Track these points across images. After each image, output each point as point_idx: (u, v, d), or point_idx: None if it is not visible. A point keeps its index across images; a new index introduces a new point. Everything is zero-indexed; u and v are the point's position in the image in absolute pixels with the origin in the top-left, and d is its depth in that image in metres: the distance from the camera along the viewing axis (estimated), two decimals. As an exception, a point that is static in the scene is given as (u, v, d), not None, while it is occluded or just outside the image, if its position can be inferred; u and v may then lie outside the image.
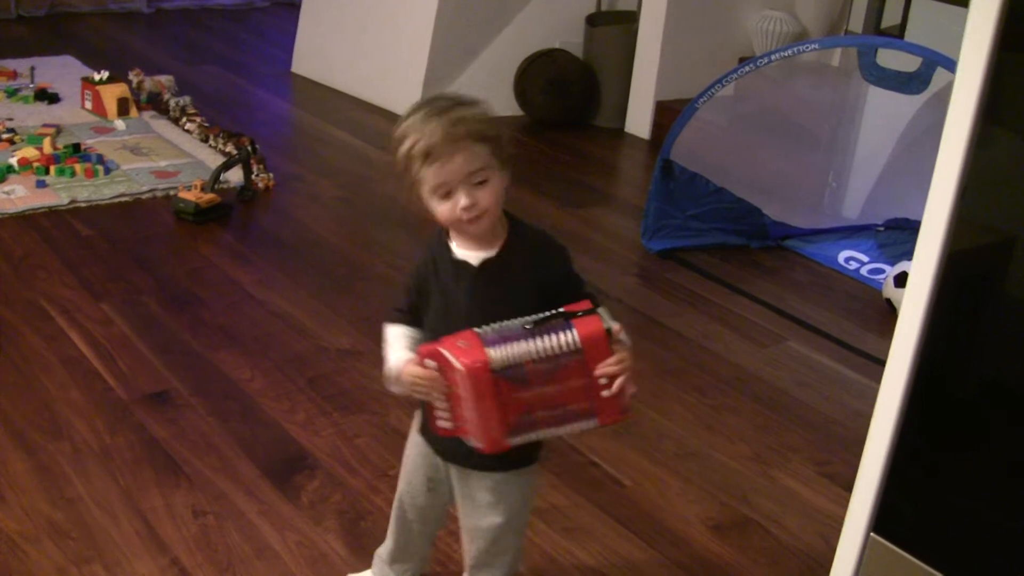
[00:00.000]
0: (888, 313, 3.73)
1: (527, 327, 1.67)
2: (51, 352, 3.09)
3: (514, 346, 1.66)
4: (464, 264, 1.78)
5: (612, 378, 1.69)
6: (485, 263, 1.78)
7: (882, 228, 4.37)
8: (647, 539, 2.52)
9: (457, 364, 1.66)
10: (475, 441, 1.73)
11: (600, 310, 1.72)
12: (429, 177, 1.70)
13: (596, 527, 2.55)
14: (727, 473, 2.81)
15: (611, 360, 1.68)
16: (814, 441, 2.98)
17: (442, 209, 1.73)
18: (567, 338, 1.67)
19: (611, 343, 1.69)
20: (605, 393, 1.70)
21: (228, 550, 2.36)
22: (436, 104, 1.72)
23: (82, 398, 2.88)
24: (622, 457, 2.83)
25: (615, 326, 1.70)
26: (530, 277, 1.77)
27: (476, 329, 1.69)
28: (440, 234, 1.82)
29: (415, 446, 1.98)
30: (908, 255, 3.50)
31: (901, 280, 3.65)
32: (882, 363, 1.63)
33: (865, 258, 4.18)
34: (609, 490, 2.70)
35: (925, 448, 1.63)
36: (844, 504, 1.75)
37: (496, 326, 1.70)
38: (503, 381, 1.67)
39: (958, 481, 1.61)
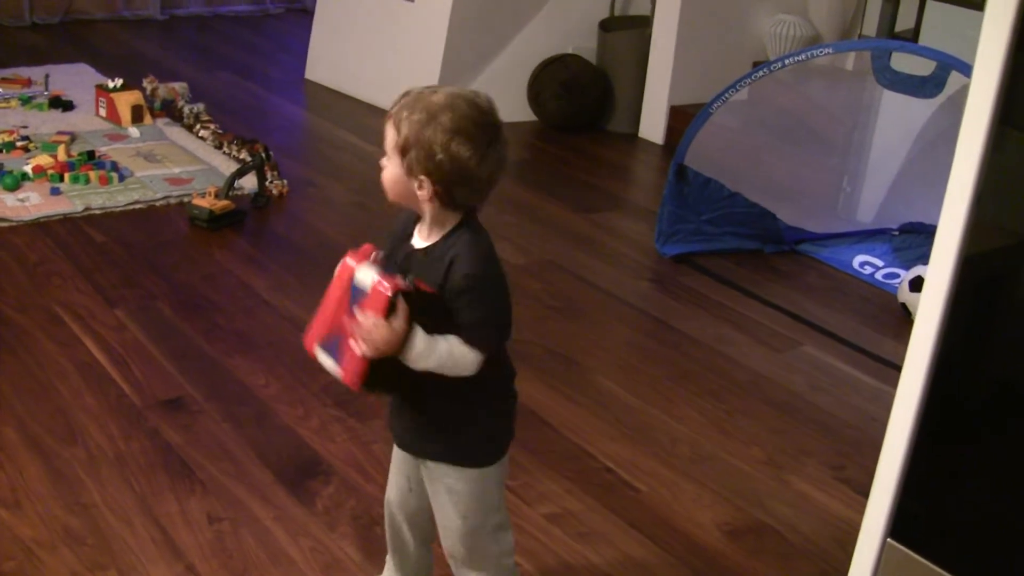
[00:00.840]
0: (903, 318, 3.72)
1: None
2: (65, 358, 3.09)
3: (362, 276, 1.76)
4: (410, 247, 1.86)
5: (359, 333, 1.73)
6: (416, 251, 1.84)
7: (897, 232, 4.37)
8: (661, 544, 2.52)
9: (346, 259, 1.79)
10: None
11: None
12: None
13: (610, 532, 2.54)
14: (741, 477, 2.80)
15: (374, 319, 1.70)
16: (829, 445, 2.97)
17: None
18: (369, 278, 1.74)
19: (390, 312, 1.71)
20: (351, 343, 1.74)
21: (243, 556, 2.36)
22: (432, 88, 1.78)
23: (96, 404, 2.89)
24: (636, 462, 2.82)
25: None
26: (437, 279, 1.78)
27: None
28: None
29: (396, 450, 2.05)
30: (923, 259, 3.49)
31: (916, 285, 3.65)
32: (897, 368, 1.62)
33: (880, 262, 4.17)
34: (623, 495, 2.69)
35: (942, 453, 1.63)
36: (859, 508, 1.74)
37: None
38: (348, 294, 1.77)
39: (975, 486, 1.60)
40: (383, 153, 1.79)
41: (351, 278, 1.77)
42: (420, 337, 1.73)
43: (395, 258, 1.85)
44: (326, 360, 1.83)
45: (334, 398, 2.98)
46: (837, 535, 2.58)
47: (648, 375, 3.27)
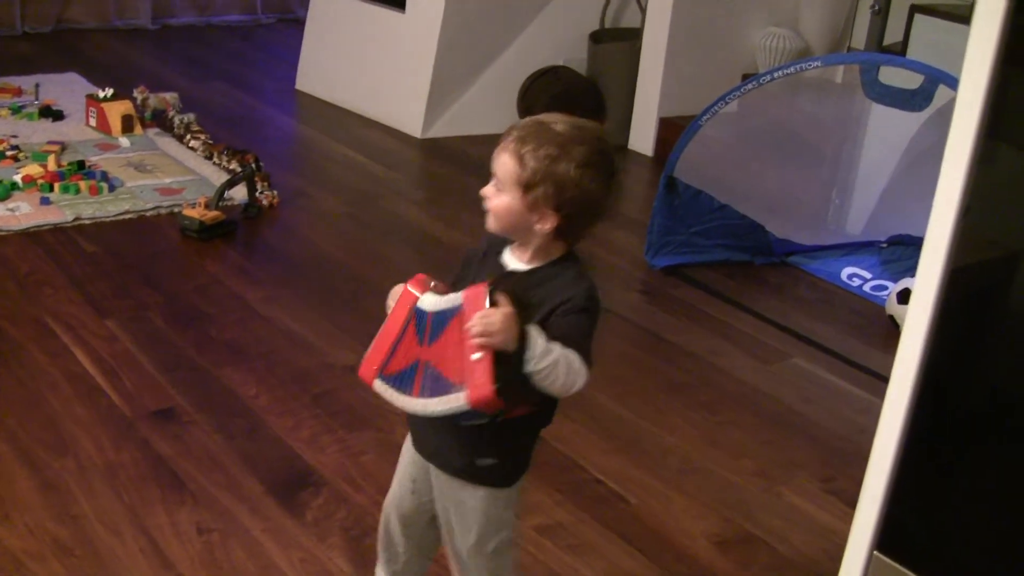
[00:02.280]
0: (891, 330, 3.73)
1: None
2: (56, 369, 3.09)
3: (435, 300, 1.74)
4: (501, 265, 1.83)
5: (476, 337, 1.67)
6: (512, 273, 1.81)
7: (885, 244, 4.38)
8: (651, 556, 2.52)
9: (406, 285, 1.77)
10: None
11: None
12: None
13: (601, 544, 2.55)
14: (732, 489, 2.81)
15: (481, 312, 1.66)
16: (819, 457, 2.98)
17: None
18: (455, 298, 1.71)
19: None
20: (472, 356, 1.67)
21: (232, 567, 2.36)
22: (550, 118, 1.76)
23: (87, 415, 2.88)
24: (627, 474, 2.83)
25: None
26: (546, 297, 1.76)
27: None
28: None
29: (407, 450, 2.03)
30: (911, 272, 3.51)
31: (904, 297, 3.66)
32: (886, 379, 1.63)
33: (868, 275, 4.18)
34: (614, 507, 2.70)
35: (929, 465, 1.63)
36: (849, 521, 1.75)
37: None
38: (412, 325, 1.75)
39: (962, 499, 1.61)
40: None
41: (413, 306, 1.74)
42: (536, 330, 1.69)
43: (476, 280, 1.78)
44: (388, 391, 1.77)
45: (325, 409, 2.99)
46: (827, 547, 2.58)
47: (638, 387, 3.28)
